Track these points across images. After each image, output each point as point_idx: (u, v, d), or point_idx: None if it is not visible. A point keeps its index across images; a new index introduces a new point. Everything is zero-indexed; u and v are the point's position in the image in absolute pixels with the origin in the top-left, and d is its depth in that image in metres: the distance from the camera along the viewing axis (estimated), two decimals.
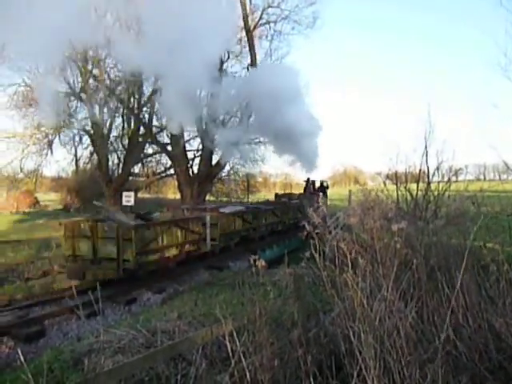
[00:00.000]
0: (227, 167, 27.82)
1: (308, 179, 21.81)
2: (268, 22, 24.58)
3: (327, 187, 22.92)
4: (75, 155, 31.94)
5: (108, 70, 27.26)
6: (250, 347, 3.28)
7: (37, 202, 35.28)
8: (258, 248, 13.36)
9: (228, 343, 3.22)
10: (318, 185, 22.37)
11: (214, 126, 22.22)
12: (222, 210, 14.32)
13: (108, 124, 29.71)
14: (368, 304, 3.05)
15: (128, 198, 13.81)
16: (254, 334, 3.38)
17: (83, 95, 27.27)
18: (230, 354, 3.19)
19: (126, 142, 30.60)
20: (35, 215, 28.53)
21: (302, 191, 23.25)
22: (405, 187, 6.85)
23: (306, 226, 4.02)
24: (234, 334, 3.28)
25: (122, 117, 30.22)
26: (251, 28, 23.02)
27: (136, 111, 27.90)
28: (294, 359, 3.33)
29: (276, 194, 23.55)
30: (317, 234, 3.98)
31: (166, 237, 10.30)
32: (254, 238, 14.77)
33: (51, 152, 28.86)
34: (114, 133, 31.04)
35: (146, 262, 9.69)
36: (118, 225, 9.48)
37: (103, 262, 9.46)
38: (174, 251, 10.57)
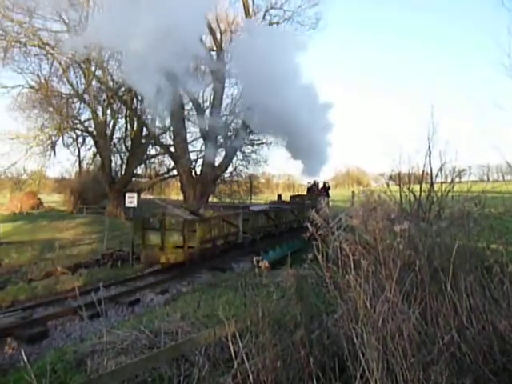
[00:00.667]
0: (230, 168, 27.87)
1: (314, 181, 22.30)
2: (271, 23, 24.59)
3: (329, 188, 23.14)
4: (78, 156, 32.08)
5: (111, 71, 27.32)
6: (252, 348, 3.27)
7: (40, 203, 35.38)
8: (278, 243, 14.57)
9: (231, 344, 3.21)
10: (320, 186, 22.59)
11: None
12: (251, 208, 16.47)
13: (111, 125, 29.80)
14: (371, 305, 3.04)
15: (131, 199, 13.86)
16: (256, 336, 3.37)
17: (86, 97, 27.37)
18: (233, 355, 3.19)
19: (128, 143, 30.69)
20: (38, 216, 28.61)
21: (305, 192, 23.43)
22: (408, 188, 6.82)
23: (309, 226, 4.01)
24: (237, 336, 3.28)
25: (125, 118, 30.32)
26: None
27: (139, 112, 27.96)
28: (297, 361, 3.32)
29: (279, 196, 23.63)
30: (320, 235, 3.97)
31: (217, 229, 12.48)
32: (275, 234, 16.17)
33: (54, 153, 28.99)
34: (117, 134, 31.17)
35: (204, 249, 11.80)
36: (184, 219, 11.52)
37: (170, 248, 11.33)
38: (221, 240, 12.72)
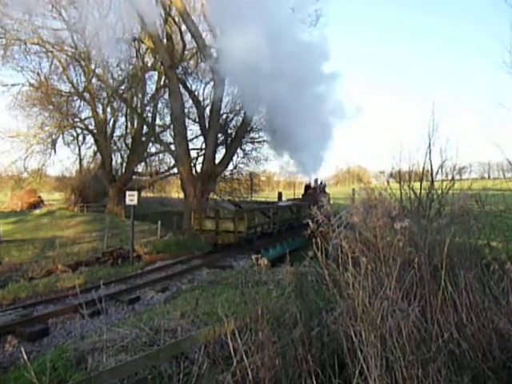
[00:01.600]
0: (230, 166, 27.86)
1: (316, 179, 22.75)
2: None
3: (325, 185, 23.68)
4: (79, 155, 32.11)
5: (111, 69, 27.28)
6: (252, 346, 3.26)
7: (41, 201, 35.41)
8: (298, 233, 16.40)
9: (230, 342, 3.21)
10: (314, 184, 23.18)
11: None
12: (279, 204, 19.27)
13: (111, 123, 29.78)
14: (370, 303, 3.04)
15: (131, 197, 13.87)
16: (256, 333, 3.37)
17: (86, 95, 27.36)
18: (232, 353, 3.18)
19: (129, 141, 30.69)
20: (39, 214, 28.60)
21: (302, 190, 23.80)
22: (408, 186, 6.80)
23: (310, 223, 4.00)
24: (236, 333, 3.27)
25: (126, 116, 30.31)
26: None
27: (139, 110, 27.93)
28: (296, 358, 3.32)
29: (279, 194, 23.78)
30: (320, 232, 3.96)
31: (257, 219, 15.31)
32: (296, 226, 18.23)
33: (55, 151, 29.06)
34: (118, 132, 31.19)
35: (249, 233, 14.59)
36: (235, 209, 14.72)
37: (222, 233, 14.35)
38: (259, 228, 15.49)
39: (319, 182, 23.24)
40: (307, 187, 22.92)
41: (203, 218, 14.84)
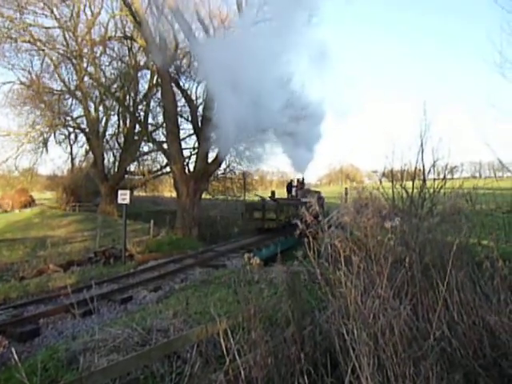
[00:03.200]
0: (223, 165, 27.79)
1: (303, 179, 23.17)
2: (264, 20, 24.45)
3: (304, 183, 24.42)
4: (70, 153, 31.93)
5: (103, 67, 27.09)
6: (244, 345, 3.26)
7: (32, 200, 35.11)
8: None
9: (222, 341, 3.21)
10: (295, 183, 23.82)
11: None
12: (303, 200, 20.59)
13: (103, 122, 29.61)
14: (362, 301, 3.05)
15: (124, 197, 13.81)
16: (248, 332, 3.37)
17: (78, 93, 27.16)
18: (225, 352, 3.18)
19: (121, 140, 30.54)
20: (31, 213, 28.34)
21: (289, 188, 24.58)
22: (400, 185, 6.82)
23: (299, 224, 4.00)
24: (229, 332, 3.27)
25: (118, 115, 30.14)
26: None
27: (132, 109, 27.77)
28: (289, 357, 3.33)
29: (272, 192, 23.92)
30: (310, 232, 3.96)
31: (290, 211, 19.19)
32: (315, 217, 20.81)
33: (46, 150, 28.86)
34: (110, 131, 31.03)
35: (286, 221, 18.58)
36: (277, 203, 19.27)
37: (267, 221, 18.80)
38: (291, 218, 18.62)
39: (301, 180, 23.90)
40: (289, 186, 23.64)
41: (253, 210, 19.36)
